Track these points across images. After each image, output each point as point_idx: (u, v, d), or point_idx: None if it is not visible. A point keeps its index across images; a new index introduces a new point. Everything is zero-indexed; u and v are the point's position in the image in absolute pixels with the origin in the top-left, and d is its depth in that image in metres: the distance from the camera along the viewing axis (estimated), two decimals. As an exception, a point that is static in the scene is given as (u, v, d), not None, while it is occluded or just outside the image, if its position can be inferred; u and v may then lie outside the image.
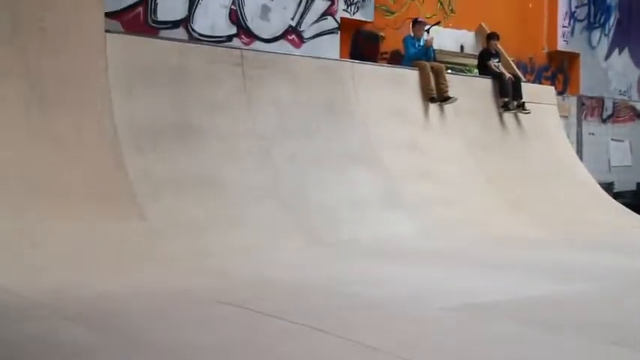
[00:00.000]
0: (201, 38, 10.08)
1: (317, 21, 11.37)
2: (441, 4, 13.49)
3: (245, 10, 10.62)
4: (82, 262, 5.77)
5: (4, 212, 5.87)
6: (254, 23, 10.73)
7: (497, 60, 11.96)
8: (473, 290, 5.21)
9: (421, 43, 11.00)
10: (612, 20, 16.42)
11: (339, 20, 11.61)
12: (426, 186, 9.11)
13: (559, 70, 15.56)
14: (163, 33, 9.73)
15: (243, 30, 10.62)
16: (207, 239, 6.78)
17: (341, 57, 11.29)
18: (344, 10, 11.77)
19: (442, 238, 7.94)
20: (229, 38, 10.45)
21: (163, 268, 5.91)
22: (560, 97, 14.14)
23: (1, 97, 6.37)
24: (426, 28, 11.34)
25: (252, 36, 10.71)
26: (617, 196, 13.33)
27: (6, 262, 5.41)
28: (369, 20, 12.20)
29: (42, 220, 6.00)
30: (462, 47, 13.74)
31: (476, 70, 12.72)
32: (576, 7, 15.51)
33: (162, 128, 7.50)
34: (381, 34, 12.53)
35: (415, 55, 10.86)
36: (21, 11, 6.69)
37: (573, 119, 15.16)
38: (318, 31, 11.38)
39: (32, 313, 4.33)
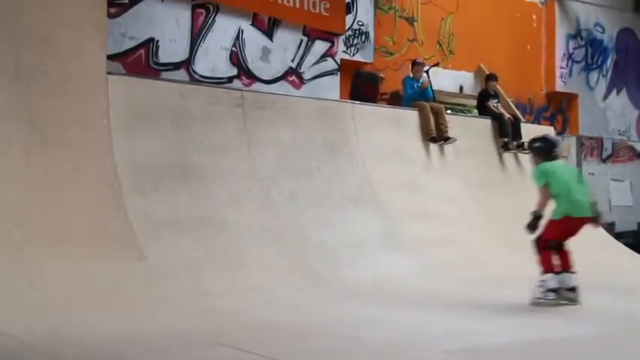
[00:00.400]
0: (202, 80, 10.17)
1: (317, 62, 11.48)
2: (440, 45, 13.62)
3: (245, 52, 10.73)
4: (81, 303, 5.75)
5: (3, 254, 5.87)
6: (254, 65, 10.83)
7: (496, 100, 12.03)
8: (474, 332, 5.17)
9: (419, 84, 11.07)
10: (609, 61, 16.56)
11: (339, 61, 11.72)
12: (426, 226, 9.10)
13: (558, 110, 15.65)
14: (165, 75, 9.82)
15: (244, 71, 10.72)
16: (208, 280, 6.76)
17: (341, 98, 11.37)
18: (344, 51, 11.89)
19: (442, 279, 7.91)
20: (230, 79, 10.54)
21: (163, 309, 5.89)
22: (559, 138, 14.19)
23: (2, 139, 6.41)
24: (425, 69, 11.42)
25: (253, 77, 10.80)
26: (618, 236, 13.29)
27: (5, 305, 5.39)
28: (368, 61, 12.32)
29: (41, 262, 5.98)
30: (461, 88, 13.85)
31: (475, 111, 12.79)
32: (574, 49, 15.66)
33: (163, 169, 7.52)
34: (381, 75, 12.64)
35: (412, 96, 10.93)
36: (24, 55, 6.76)
37: (573, 159, 15.19)
38: (318, 73, 11.49)
39: (31, 357, 4.30)
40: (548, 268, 6.19)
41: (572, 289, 6.18)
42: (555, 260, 6.22)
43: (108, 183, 6.95)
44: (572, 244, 6.55)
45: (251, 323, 5.49)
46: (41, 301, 5.65)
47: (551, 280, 6.16)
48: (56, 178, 6.59)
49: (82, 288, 5.98)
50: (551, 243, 6.18)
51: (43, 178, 6.51)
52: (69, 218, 6.44)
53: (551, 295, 6.14)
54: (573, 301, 6.12)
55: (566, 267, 6.24)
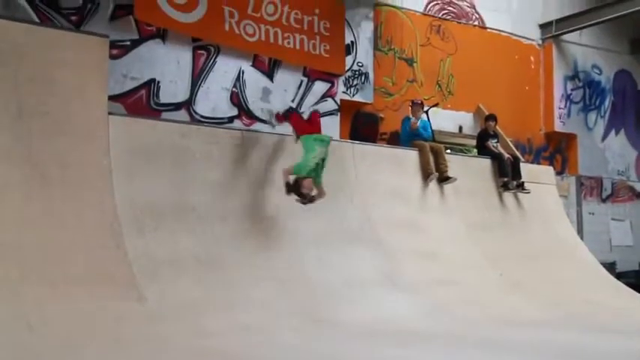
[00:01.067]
0: (203, 120, 10.23)
1: (317, 102, 11.57)
2: (440, 86, 13.74)
3: (246, 93, 10.82)
4: (80, 344, 5.71)
5: (1, 294, 5.84)
6: (255, 105, 10.91)
7: (495, 140, 12.08)
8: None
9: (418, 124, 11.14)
10: (607, 102, 16.70)
11: (338, 102, 11.82)
12: (426, 266, 9.07)
13: (557, 150, 15.73)
14: (165, 115, 9.88)
15: (244, 111, 10.79)
16: (207, 320, 6.72)
17: (341, 137, 11.43)
18: (343, 92, 11.99)
19: (442, 319, 7.86)
20: (230, 120, 10.61)
21: (163, 350, 5.84)
22: (559, 177, 14.25)
23: (2, 179, 6.42)
24: (425, 109, 11.50)
25: (253, 117, 10.87)
26: (619, 276, 13.26)
27: (2, 346, 5.35)
28: (368, 102, 12.41)
29: (40, 302, 5.95)
30: (460, 128, 13.93)
31: (475, 151, 12.84)
32: (572, 90, 15.80)
33: (163, 208, 7.52)
34: (381, 115, 12.73)
35: (407, 137, 10.99)
36: (26, 96, 6.80)
37: (573, 199, 15.24)
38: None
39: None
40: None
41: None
42: None
43: (108, 223, 6.94)
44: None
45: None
46: (39, 342, 5.61)
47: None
48: (56, 218, 6.58)
49: (80, 329, 5.93)
50: None
51: (42, 218, 6.51)
52: (68, 258, 6.42)
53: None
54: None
55: None
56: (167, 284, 6.88)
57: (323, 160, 8.08)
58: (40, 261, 6.25)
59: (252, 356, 5.75)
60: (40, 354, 5.41)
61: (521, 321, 8.11)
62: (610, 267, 13.27)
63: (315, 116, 8.78)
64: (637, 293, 10.98)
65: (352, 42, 12.22)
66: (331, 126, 11.60)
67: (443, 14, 13.95)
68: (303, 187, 7.74)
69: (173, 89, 10.17)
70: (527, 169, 12.05)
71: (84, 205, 6.84)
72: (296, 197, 7.83)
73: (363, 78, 12.30)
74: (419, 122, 11.09)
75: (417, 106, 11.32)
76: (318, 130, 8.36)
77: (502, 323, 7.87)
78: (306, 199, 7.84)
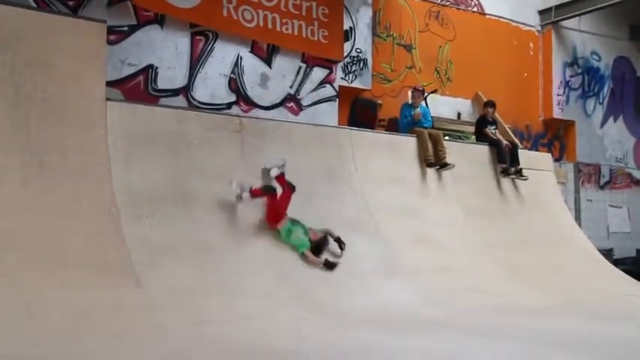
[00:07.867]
0: (201, 106, 10.18)
1: (315, 89, 11.51)
2: (438, 72, 13.69)
3: (244, 79, 10.77)
4: (78, 331, 5.71)
5: (0, 282, 5.83)
6: (253, 91, 10.86)
7: (494, 127, 12.07)
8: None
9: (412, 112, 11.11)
10: (606, 89, 16.67)
11: (337, 88, 11.76)
12: (425, 253, 9.08)
13: (555, 137, 15.70)
14: (163, 101, 9.83)
15: (243, 98, 10.74)
16: (205, 307, 6.72)
17: (339, 124, 11.39)
18: (342, 78, 11.92)
19: (441, 306, 7.87)
20: (229, 106, 10.56)
21: (160, 337, 5.85)
22: (557, 164, 14.23)
23: (1, 166, 6.40)
24: (425, 95, 11.46)
25: (252, 104, 10.83)
26: (617, 262, 13.27)
27: (2, 333, 5.35)
28: (366, 88, 12.35)
29: (38, 289, 5.95)
30: (458, 115, 13.89)
31: (473, 137, 12.83)
32: (570, 77, 15.75)
33: (161, 195, 7.51)
34: (379, 101, 12.68)
35: (406, 125, 10.97)
36: (23, 82, 6.78)
37: (571, 186, 15.22)
38: (317, 99, 11.51)
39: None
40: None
41: None
42: None
43: (106, 209, 6.93)
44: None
45: (248, 351, 5.46)
46: (38, 328, 5.61)
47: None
48: (54, 205, 6.57)
49: (79, 315, 5.93)
50: None
51: (40, 204, 6.50)
52: (66, 245, 6.42)
53: None
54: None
55: None
56: (165, 271, 6.88)
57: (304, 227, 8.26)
58: (38, 247, 6.24)
59: (249, 345, 5.75)
60: (39, 341, 5.41)
61: (520, 308, 8.12)
62: (607, 254, 13.28)
63: (282, 181, 8.43)
64: (634, 280, 11.00)
65: (351, 28, 12.15)
66: (329, 112, 11.57)
67: (442, 0, 13.89)
68: (308, 259, 8.08)
69: (171, 75, 10.12)
70: (525, 156, 12.04)
71: (82, 191, 6.84)
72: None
73: (361, 64, 12.24)
74: (419, 109, 11.07)
75: (417, 92, 11.29)
76: (285, 206, 8.27)
77: (500, 310, 7.89)
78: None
